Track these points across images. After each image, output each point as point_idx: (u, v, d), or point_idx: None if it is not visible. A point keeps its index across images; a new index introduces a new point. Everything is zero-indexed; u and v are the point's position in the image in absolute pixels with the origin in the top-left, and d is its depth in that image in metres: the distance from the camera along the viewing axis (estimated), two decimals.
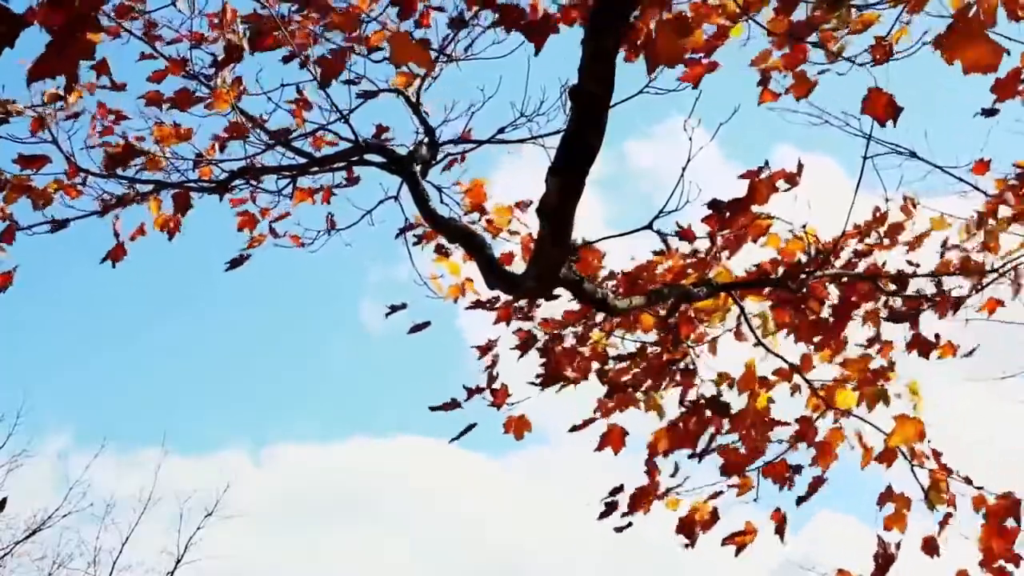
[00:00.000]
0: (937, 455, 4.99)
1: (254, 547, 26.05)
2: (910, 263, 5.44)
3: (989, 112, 4.80)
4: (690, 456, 5.19)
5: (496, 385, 5.51)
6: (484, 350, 5.59)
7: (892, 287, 5.40)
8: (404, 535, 27.49)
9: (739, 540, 5.06)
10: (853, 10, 4.51)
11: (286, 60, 4.93)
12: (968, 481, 4.97)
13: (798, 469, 5.17)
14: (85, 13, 3.17)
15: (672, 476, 5.17)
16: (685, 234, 4.91)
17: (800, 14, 4.42)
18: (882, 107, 4.04)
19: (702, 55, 4.48)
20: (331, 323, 33.02)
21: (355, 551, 25.63)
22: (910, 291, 5.43)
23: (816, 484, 5.16)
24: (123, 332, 30.32)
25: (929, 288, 5.46)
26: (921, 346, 5.42)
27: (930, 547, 5.03)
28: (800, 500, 5.15)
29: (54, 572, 18.69)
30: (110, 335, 30.53)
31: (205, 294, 32.37)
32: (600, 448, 5.33)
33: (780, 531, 5.08)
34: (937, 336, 5.43)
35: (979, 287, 5.48)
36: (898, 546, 4.69)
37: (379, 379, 34.50)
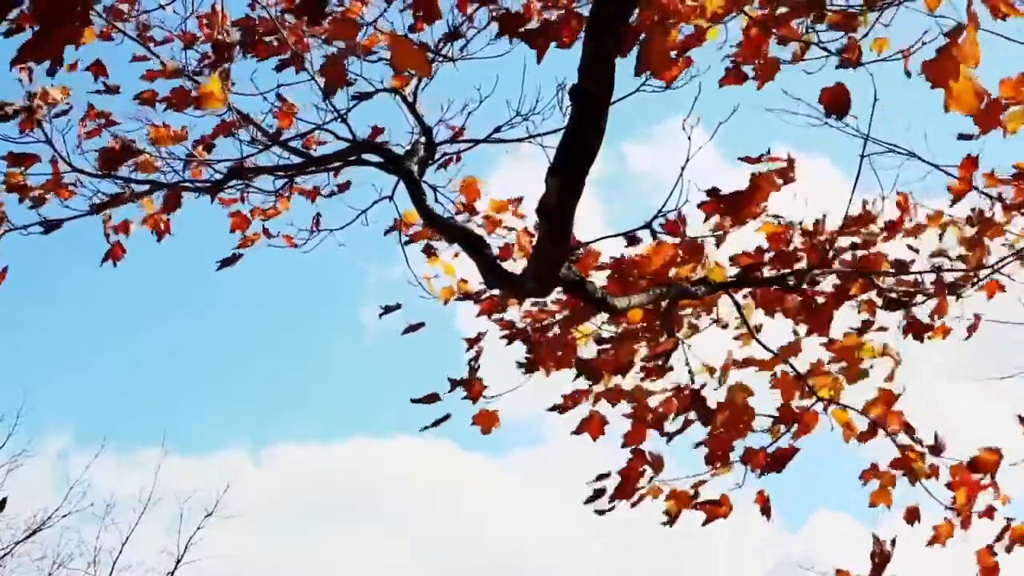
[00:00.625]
0: (909, 427, 5.03)
1: (254, 547, 26.06)
2: (910, 247, 5.46)
3: (966, 136, 4.93)
4: (662, 434, 5.17)
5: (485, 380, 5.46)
6: (473, 342, 5.56)
7: (890, 276, 5.40)
8: (404, 535, 27.59)
9: (712, 509, 5.04)
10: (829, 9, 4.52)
11: (279, 68, 4.92)
12: (936, 450, 5.02)
13: (785, 456, 5.19)
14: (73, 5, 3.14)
15: (656, 468, 5.16)
16: (671, 228, 4.88)
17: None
18: (835, 100, 4.10)
19: (676, 53, 4.47)
20: (330, 323, 33.06)
21: (355, 551, 25.69)
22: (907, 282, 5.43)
23: (789, 453, 5.14)
24: (122, 332, 30.32)
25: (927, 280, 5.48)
26: (916, 330, 5.41)
27: (912, 516, 5.12)
28: (768, 467, 5.11)
29: (54, 572, 18.71)
30: (109, 335, 30.55)
31: (204, 294, 32.39)
32: (578, 432, 5.28)
33: (766, 511, 5.07)
34: (933, 316, 5.43)
35: (975, 280, 5.49)
36: (893, 543, 4.72)
37: (378, 379, 34.59)
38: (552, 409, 5.39)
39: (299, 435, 31.92)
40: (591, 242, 4.51)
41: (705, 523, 5.09)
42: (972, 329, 5.53)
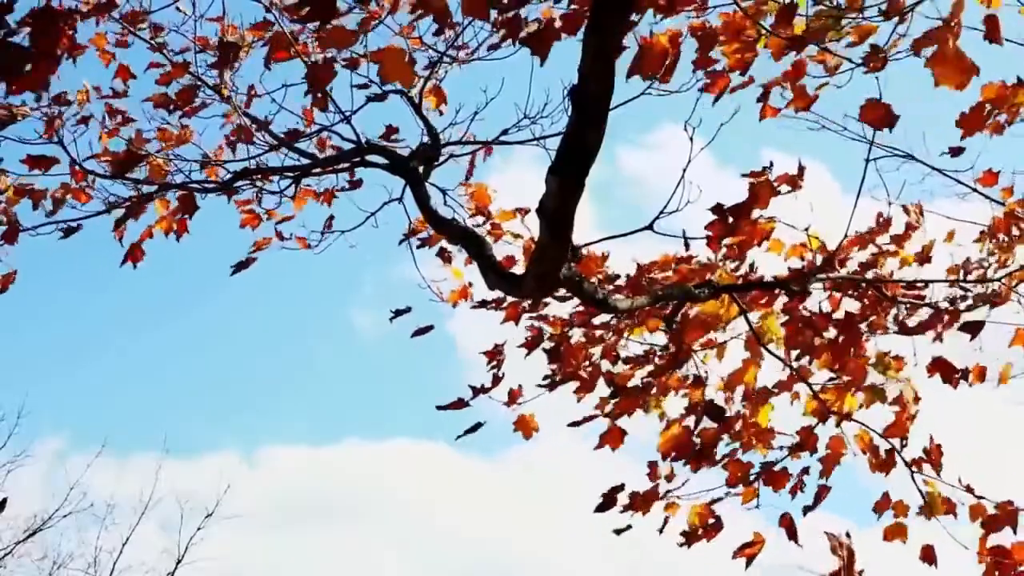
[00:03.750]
0: (934, 459, 4.95)
1: (249, 549, 26.21)
2: (925, 281, 5.41)
3: (956, 152, 4.91)
4: (692, 468, 5.17)
5: (501, 385, 5.50)
6: (492, 355, 5.58)
7: (907, 301, 5.35)
8: (399, 536, 27.51)
9: (748, 552, 5.00)
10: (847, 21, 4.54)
11: (311, 75, 4.95)
12: (969, 489, 4.93)
13: (806, 471, 5.16)
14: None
15: (668, 480, 5.15)
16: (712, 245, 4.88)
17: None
18: (879, 116, 4.10)
19: (735, 70, 4.51)
20: (322, 325, 33.22)
21: (351, 552, 25.77)
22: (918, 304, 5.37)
23: (822, 493, 5.13)
24: (116, 336, 30.54)
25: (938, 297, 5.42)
26: (943, 370, 5.24)
27: (929, 556, 4.99)
28: (807, 509, 5.13)
29: (54, 572, 18.87)
30: (103, 339, 30.84)
31: (197, 298, 32.65)
32: (599, 447, 5.29)
33: (792, 535, 5.02)
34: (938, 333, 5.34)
35: (988, 301, 5.43)
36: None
37: (370, 382, 34.80)
38: (573, 425, 5.39)
39: (291, 438, 32.17)
40: (594, 243, 4.52)
41: (736, 556, 5.05)
42: (1004, 377, 5.44)
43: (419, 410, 33.59)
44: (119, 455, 32.33)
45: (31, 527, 18.65)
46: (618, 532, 5.14)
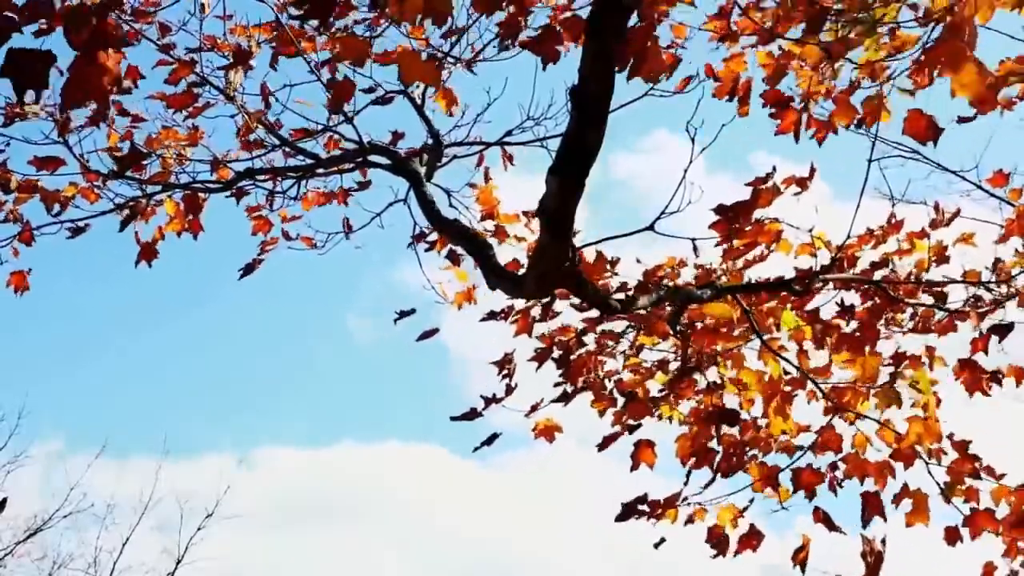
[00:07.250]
0: (961, 446, 4.89)
1: (248, 549, 26.35)
2: (946, 279, 5.37)
3: (965, 119, 4.82)
4: (722, 474, 5.14)
5: (513, 395, 5.49)
6: (502, 365, 5.58)
7: (917, 303, 5.31)
8: (397, 538, 27.56)
9: (801, 556, 4.97)
10: (883, 30, 4.51)
11: (330, 84, 4.96)
12: (990, 471, 4.88)
13: (835, 467, 5.12)
14: (104, 32, 3.10)
15: (706, 487, 5.12)
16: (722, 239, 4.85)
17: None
18: (924, 129, 4.06)
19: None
20: (321, 328, 33.37)
21: (349, 553, 25.86)
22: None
23: (873, 501, 5.04)
24: (116, 336, 30.68)
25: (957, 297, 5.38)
26: (972, 371, 5.19)
27: (952, 537, 4.98)
28: (866, 521, 5.02)
29: (54, 572, 18.96)
30: (99, 341, 30.93)
31: (197, 299, 32.78)
32: (635, 467, 5.25)
33: (832, 527, 4.98)
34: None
35: (1004, 298, 5.39)
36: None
37: (365, 385, 34.92)
38: (601, 448, 5.38)
39: (290, 439, 32.30)
40: (596, 243, 4.51)
41: (795, 562, 5.01)
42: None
43: (415, 412, 33.80)
44: (119, 456, 32.45)
45: (31, 527, 18.80)
46: (656, 545, 5.10)
